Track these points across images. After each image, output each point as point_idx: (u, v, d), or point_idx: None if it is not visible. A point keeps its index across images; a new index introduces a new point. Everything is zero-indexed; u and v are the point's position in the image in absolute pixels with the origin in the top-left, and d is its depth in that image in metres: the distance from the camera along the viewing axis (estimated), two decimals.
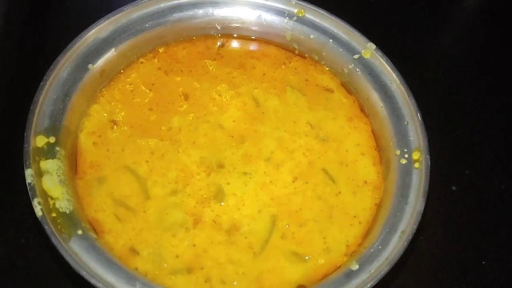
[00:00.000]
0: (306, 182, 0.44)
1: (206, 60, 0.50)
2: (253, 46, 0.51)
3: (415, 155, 0.43)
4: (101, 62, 0.46)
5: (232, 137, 0.46)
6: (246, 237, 0.42)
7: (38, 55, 0.51)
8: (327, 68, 0.50)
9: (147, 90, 0.48)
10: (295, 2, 0.49)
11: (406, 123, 0.44)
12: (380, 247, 0.39)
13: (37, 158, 0.39)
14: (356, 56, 0.48)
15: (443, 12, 0.64)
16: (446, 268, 0.47)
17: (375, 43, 0.47)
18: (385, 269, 0.37)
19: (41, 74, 0.42)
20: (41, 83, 0.42)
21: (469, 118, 0.56)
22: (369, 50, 0.48)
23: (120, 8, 0.47)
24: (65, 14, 0.57)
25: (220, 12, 0.50)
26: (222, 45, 0.51)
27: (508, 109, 0.58)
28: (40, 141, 0.40)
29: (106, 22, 0.46)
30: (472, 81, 0.59)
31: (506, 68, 0.61)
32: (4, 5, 0.52)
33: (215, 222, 0.42)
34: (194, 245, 0.41)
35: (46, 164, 0.40)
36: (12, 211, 0.46)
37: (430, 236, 0.48)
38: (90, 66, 0.45)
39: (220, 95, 0.48)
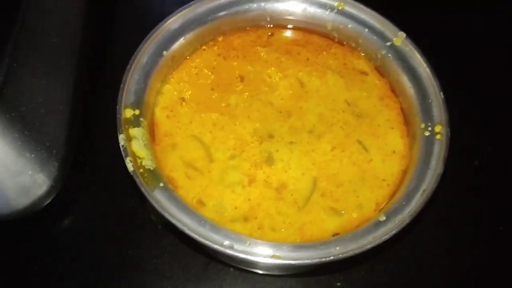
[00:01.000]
0: (343, 151, 0.52)
1: (258, 47, 0.58)
2: (298, 35, 0.59)
3: (437, 128, 0.50)
4: (172, 49, 0.55)
5: (281, 112, 0.54)
6: (292, 194, 0.50)
7: (121, 45, 0.61)
8: (362, 54, 0.58)
9: (209, 73, 0.56)
10: None
11: (430, 100, 0.52)
12: (404, 203, 0.47)
13: (126, 126, 0.49)
14: (388, 44, 0.55)
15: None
16: (461, 227, 0.55)
17: (405, 31, 0.54)
18: (407, 220, 0.45)
19: (124, 62, 0.52)
20: (127, 67, 0.51)
21: (493, 97, 0.62)
22: (400, 38, 0.55)
23: (188, 4, 0.56)
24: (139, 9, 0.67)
25: (271, 6, 0.58)
26: (272, 34, 0.59)
27: None
28: (128, 113, 0.50)
29: (176, 16, 0.55)
30: (499, 64, 0.65)
31: None
32: (84, 9, 0.61)
33: (266, 181, 0.51)
34: (249, 200, 0.50)
35: (134, 131, 0.49)
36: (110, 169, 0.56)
37: (448, 200, 0.56)
38: (164, 52, 0.54)
39: (270, 77, 0.56)
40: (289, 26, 0.59)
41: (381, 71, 0.57)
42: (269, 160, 0.52)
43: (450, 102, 0.51)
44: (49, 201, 0.56)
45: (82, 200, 0.58)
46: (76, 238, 0.55)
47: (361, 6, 0.56)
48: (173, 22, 0.55)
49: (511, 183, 0.59)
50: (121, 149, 0.47)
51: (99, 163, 0.58)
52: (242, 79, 0.56)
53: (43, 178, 0.54)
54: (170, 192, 0.47)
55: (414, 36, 0.54)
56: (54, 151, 0.56)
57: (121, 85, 0.50)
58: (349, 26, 0.57)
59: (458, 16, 0.69)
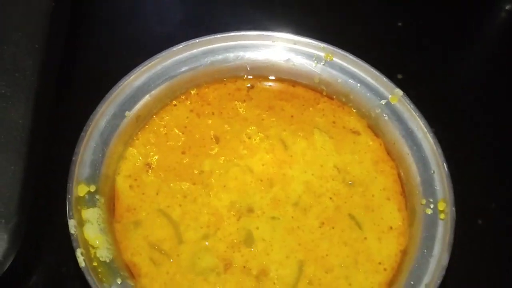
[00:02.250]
0: (333, 227, 0.46)
1: (236, 102, 0.51)
2: (282, 87, 0.53)
3: (441, 206, 0.44)
4: (136, 108, 0.48)
5: (261, 181, 0.48)
6: (274, 283, 0.43)
7: (76, 105, 0.53)
8: (354, 110, 0.51)
9: (180, 133, 0.50)
10: (324, 46, 0.50)
11: (432, 172, 0.45)
12: None
13: (78, 207, 0.42)
14: (383, 102, 0.49)
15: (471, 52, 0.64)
16: None
17: (404, 87, 0.48)
18: None
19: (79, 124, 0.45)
20: (81, 134, 0.44)
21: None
22: (396, 96, 0.48)
23: (154, 56, 0.48)
24: (98, 56, 0.59)
25: (251, 56, 0.51)
26: (252, 87, 0.52)
27: None
28: (81, 190, 0.43)
29: (141, 70, 0.48)
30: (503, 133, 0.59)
31: None
32: (38, 60, 0.54)
33: (244, 267, 0.44)
34: None
35: (87, 213, 0.42)
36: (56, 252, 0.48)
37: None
38: (126, 113, 0.47)
39: (249, 138, 0.50)
40: (271, 77, 0.52)
41: (375, 130, 0.50)
42: (248, 240, 0.45)
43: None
44: None
45: (35, 277, 0.50)
46: None
47: (352, 57, 0.50)
48: (137, 77, 0.48)
49: None
50: (71, 238, 0.40)
51: (53, 238, 0.50)
52: (217, 140, 0.49)
53: None
54: None
55: (414, 92, 0.48)
56: (3, 220, 0.48)
57: (73, 158, 0.43)
58: (339, 80, 0.50)
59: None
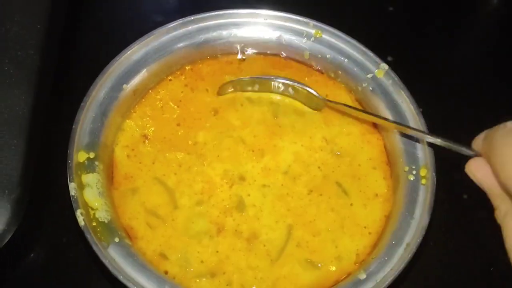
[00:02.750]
0: (321, 195, 0.48)
1: (227, 76, 0.53)
2: (274, 59, 0.54)
3: (422, 172, 0.46)
4: (134, 82, 0.50)
5: (253, 151, 0.50)
6: (264, 245, 0.46)
7: (77, 77, 0.56)
8: (342, 85, 0.53)
9: (175, 107, 0.52)
10: (313, 24, 0.52)
11: (415, 140, 0.47)
12: (386, 258, 0.42)
13: (79, 172, 0.44)
14: (369, 76, 0.51)
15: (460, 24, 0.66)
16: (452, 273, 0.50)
17: (390, 59, 0.50)
18: (390, 279, 0.41)
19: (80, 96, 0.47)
20: (81, 104, 0.47)
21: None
22: (382, 70, 0.50)
23: (151, 32, 0.51)
24: (98, 36, 0.61)
25: (243, 33, 0.53)
26: (243, 60, 0.54)
27: None
28: (81, 156, 0.45)
29: (138, 45, 0.50)
30: (486, 100, 0.61)
31: None
32: (40, 40, 0.56)
33: (236, 230, 0.46)
34: (217, 252, 0.45)
35: (87, 178, 0.44)
36: (57, 221, 0.51)
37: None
38: (124, 86, 0.49)
39: (242, 107, 0.52)
40: (263, 52, 0.54)
41: (362, 104, 0.52)
42: (240, 206, 0.47)
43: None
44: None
45: (37, 247, 0.52)
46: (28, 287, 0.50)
47: (341, 34, 0.52)
48: (134, 52, 0.50)
49: None
50: (72, 199, 0.42)
51: (54, 206, 0.52)
52: (216, 112, 0.51)
53: None
54: (127, 248, 0.42)
55: (400, 66, 0.50)
56: (7, 191, 0.51)
57: (73, 126, 0.45)
58: (328, 56, 0.52)
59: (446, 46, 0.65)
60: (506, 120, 0.34)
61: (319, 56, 0.53)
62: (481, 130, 0.35)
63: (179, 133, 0.50)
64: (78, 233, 0.44)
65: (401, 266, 0.41)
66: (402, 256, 0.42)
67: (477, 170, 0.36)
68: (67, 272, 0.49)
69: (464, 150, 0.38)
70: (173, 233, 0.46)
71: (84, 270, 0.48)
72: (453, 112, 0.59)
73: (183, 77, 0.53)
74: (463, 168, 0.37)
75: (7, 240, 0.51)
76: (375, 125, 0.51)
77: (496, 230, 0.50)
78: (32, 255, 0.52)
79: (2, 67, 0.54)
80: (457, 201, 0.54)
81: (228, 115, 0.51)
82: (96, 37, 0.61)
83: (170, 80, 0.53)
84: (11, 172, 0.52)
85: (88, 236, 0.41)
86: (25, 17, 0.56)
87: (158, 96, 0.52)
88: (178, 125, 0.51)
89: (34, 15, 0.57)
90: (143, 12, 0.63)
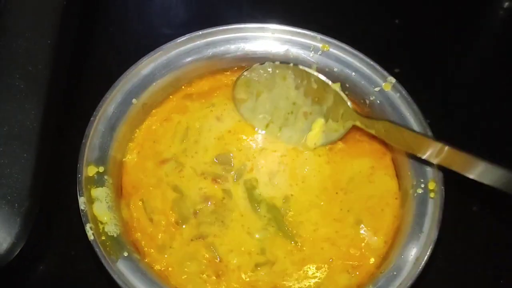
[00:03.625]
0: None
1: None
2: None
3: (431, 185, 0.46)
4: (143, 96, 0.50)
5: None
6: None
7: (87, 92, 0.56)
8: (350, 98, 0.53)
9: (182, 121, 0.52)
10: (320, 38, 0.53)
11: None
12: (395, 273, 0.42)
13: (88, 186, 0.45)
14: (377, 89, 0.51)
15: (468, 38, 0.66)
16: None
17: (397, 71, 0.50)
18: None
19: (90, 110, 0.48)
20: (91, 118, 0.47)
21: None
22: (389, 83, 0.51)
23: (159, 47, 0.51)
24: (108, 50, 0.62)
25: (251, 47, 0.54)
26: None
27: None
28: (91, 171, 0.45)
29: (147, 60, 0.51)
30: (495, 112, 0.60)
31: None
32: (50, 55, 0.57)
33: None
34: None
35: (96, 192, 0.45)
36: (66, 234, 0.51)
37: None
38: (133, 100, 0.50)
39: None
40: None
41: (370, 117, 0.52)
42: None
43: None
44: (9, 260, 0.51)
45: (47, 259, 0.53)
46: None
47: (348, 47, 0.52)
48: (143, 67, 0.50)
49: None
50: (81, 214, 0.42)
51: (63, 219, 0.53)
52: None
53: (3, 236, 0.49)
54: (135, 262, 0.42)
55: (407, 78, 0.50)
56: (17, 204, 0.51)
57: (83, 140, 0.46)
58: (335, 69, 0.52)
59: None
60: None
61: (327, 69, 0.53)
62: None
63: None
64: (87, 246, 0.45)
65: (410, 281, 0.41)
66: (411, 271, 0.42)
67: None
68: (76, 285, 0.49)
69: None
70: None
71: (93, 284, 0.48)
72: (460, 124, 0.59)
73: (192, 89, 0.54)
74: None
75: (17, 252, 0.51)
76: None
77: (506, 243, 0.50)
78: (41, 267, 0.52)
79: (13, 82, 0.55)
80: (467, 214, 0.53)
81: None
82: (106, 51, 0.62)
83: (178, 94, 0.53)
84: (21, 185, 0.52)
85: (97, 250, 0.41)
86: (35, 33, 0.57)
87: (166, 110, 0.52)
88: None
89: (44, 31, 0.57)
90: (152, 26, 0.64)
